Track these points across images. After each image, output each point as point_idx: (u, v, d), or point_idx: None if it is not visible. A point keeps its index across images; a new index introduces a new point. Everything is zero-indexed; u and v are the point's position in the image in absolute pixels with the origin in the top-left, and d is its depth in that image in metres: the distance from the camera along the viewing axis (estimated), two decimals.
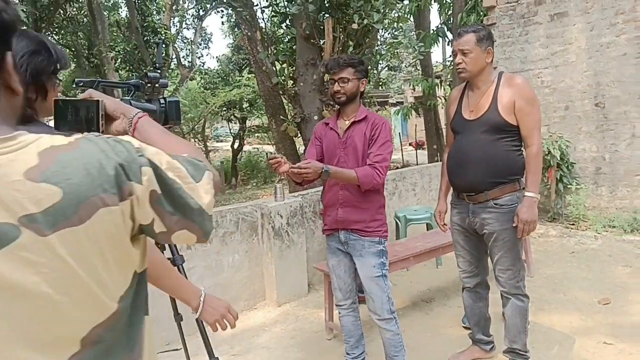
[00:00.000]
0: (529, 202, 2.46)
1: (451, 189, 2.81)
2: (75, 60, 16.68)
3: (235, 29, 17.43)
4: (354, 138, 2.53)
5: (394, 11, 9.28)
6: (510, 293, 2.65)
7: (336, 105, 2.67)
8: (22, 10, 4.21)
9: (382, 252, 2.57)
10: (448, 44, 10.44)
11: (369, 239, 2.55)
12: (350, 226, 2.56)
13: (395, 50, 8.74)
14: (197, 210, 0.89)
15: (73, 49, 16.01)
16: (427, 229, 4.68)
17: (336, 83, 2.51)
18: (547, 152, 5.73)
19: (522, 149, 2.57)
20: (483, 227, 2.59)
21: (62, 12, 12.63)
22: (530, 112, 2.47)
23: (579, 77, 5.92)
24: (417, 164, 14.89)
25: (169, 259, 2.12)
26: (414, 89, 11.66)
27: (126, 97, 1.90)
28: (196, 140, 21.28)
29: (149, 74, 1.90)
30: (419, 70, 13.72)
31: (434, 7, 11.07)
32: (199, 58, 21.43)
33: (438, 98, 11.26)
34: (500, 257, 2.60)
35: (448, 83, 10.88)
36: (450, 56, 10.55)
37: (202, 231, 0.92)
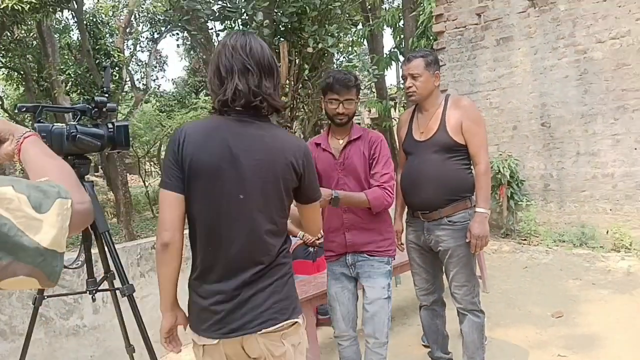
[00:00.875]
0: (480, 218, 2.53)
1: (406, 208, 2.85)
2: (24, 84, 16.13)
3: (191, 52, 17.36)
4: (353, 158, 2.42)
5: (348, 35, 9.49)
6: (466, 309, 2.69)
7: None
8: None
9: (389, 273, 2.48)
10: (401, 67, 10.73)
11: (378, 259, 2.44)
12: (360, 249, 2.44)
13: None
14: (33, 250, 0.74)
15: (22, 72, 15.49)
16: None
17: (341, 105, 2.37)
18: (497, 171, 5.92)
19: (472, 167, 2.65)
20: (438, 244, 2.64)
21: (9, 34, 12.24)
22: (477, 132, 2.57)
23: (525, 99, 6.18)
24: None
25: (117, 288, 2.04)
26: (369, 111, 11.90)
27: (72, 122, 1.85)
28: (152, 163, 20.89)
29: (96, 98, 1.86)
30: (374, 92, 14.00)
31: (387, 32, 11.38)
32: (154, 81, 21.16)
33: (393, 119, 11.50)
34: (455, 274, 2.64)
35: (403, 105, 11.15)
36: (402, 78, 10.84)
37: (43, 274, 0.76)
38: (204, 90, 17.55)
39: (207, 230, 1.48)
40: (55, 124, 1.77)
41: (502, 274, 4.91)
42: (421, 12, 8.75)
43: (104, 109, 1.87)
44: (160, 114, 17.53)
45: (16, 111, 1.59)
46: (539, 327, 3.62)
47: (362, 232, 2.42)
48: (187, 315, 1.61)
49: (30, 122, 17.63)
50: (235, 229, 1.47)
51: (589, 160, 5.77)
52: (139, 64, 21.19)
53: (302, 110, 7.31)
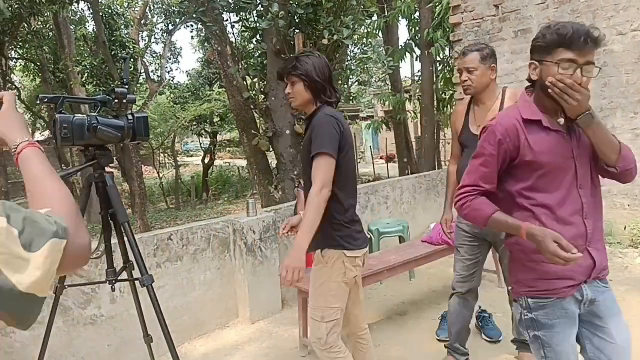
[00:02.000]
0: None
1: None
2: (40, 74, 16.27)
3: (205, 44, 17.38)
4: (585, 139, 1.70)
5: (362, 27, 9.42)
6: None
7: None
8: None
9: None
10: (416, 59, 10.63)
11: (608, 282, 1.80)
12: (601, 272, 1.75)
13: (365, 66, 8.85)
14: (6, 292, 0.67)
15: (38, 63, 15.64)
16: (400, 242, 4.69)
17: (579, 70, 1.58)
18: None
19: None
20: (495, 234, 2.70)
21: (26, 25, 12.36)
22: None
23: None
24: (388, 177, 15.03)
25: (136, 279, 2.06)
26: (383, 104, 11.85)
27: (92, 113, 1.86)
28: (165, 154, 21.02)
29: (116, 89, 1.87)
30: (388, 84, 13.91)
31: (402, 23, 11.27)
32: (168, 72, 21.23)
33: (407, 112, 11.42)
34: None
35: (417, 97, 11.06)
36: (419, 72, 10.78)
37: (11, 318, 0.70)
38: (218, 82, 17.58)
39: (351, 184, 2.23)
40: (76, 115, 1.78)
41: None
42: (437, 4, 8.65)
43: (124, 100, 1.87)
44: (175, 105, 17.62)
45: (37, 102, 1.58)
46: None
47: (599, 243, 1.74)
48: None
49: (47, 112, 17.82)
50: (354, 185, 2.28)
51: None
52: (154, 55, 21.31)
53: None
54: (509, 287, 2.77)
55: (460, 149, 2.84)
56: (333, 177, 2.07)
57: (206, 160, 18.29)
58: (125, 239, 2.00)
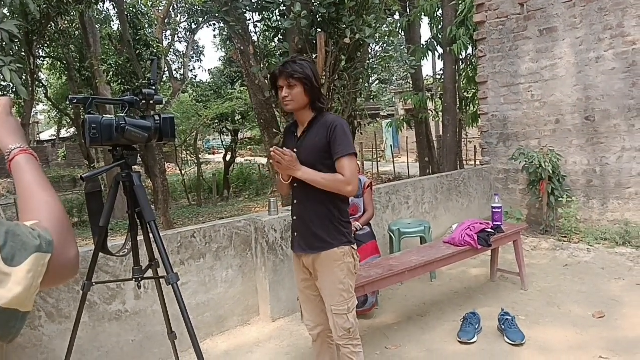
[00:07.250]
0: None
1: None
2: (66, 73, 16.61)
3: (228, 43, 17.52)
4: None
5: (385, 25, 9.36)
6: None
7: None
8: (15, 25, 4.14)
9: None
10: (438, 58, 10.54)
11: None
12: None
13: (387, 65, 8.80)
14: None
15: (64, 62, 15.96)
16: (421, 243, 4.67)
17: None
18: (538, 165, 5.77)
19: None
20: None
21: (53, 25, 12.61)
22: None
23: (569, 91, 5.98)
24: (408, 176, 14.94)
25: (162, 277, 2.10)
26: (405, 103, 11.75)
27: (120, 114, 1.90)
28: (188, 152, 21.24)
29: (144, 90, 1.90)
30: (409, 83, 13.81)
31: (425, 22, 11.19)
32: (191, 71, 21.49)
33: (429, 111, 11.32)
34: None
35: (439, 96, 10.96)
36: (441, 70, 10.66)
37: None
38: (239, 81, 17.71)
39: None
40: (105, 115, 1.82)
41: (542, 271, 4.80)
42: (461, 2, 8.56)
43: (151, 102, 1.90)
44: (197, 103, 17.80)
45: (67, 103, 1.62)
46: (579, 327, 3.53)
47: None
48: None
49: (73, 110, 18.16)
50: None
51: (634, 156, 5.55)
52: (177, 54, 21.56)
53: (337, 101, 7.30)
54: None
55: None
56: None
57: (227, 158, 18.44)
58: (152, 237, 2.03)
